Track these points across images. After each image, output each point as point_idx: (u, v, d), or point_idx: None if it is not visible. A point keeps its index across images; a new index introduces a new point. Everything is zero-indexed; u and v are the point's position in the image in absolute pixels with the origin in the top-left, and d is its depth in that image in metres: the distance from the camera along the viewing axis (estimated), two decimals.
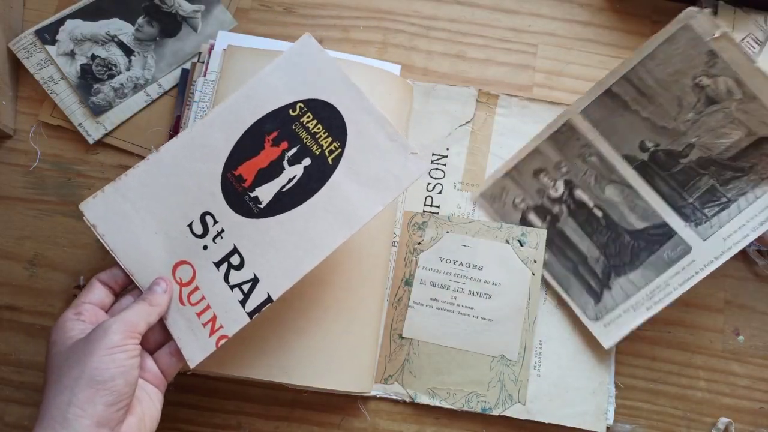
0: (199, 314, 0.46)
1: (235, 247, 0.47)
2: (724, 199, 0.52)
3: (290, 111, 0.49)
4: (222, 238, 0.47)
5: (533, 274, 0.56)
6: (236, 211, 0.48)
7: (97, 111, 0.59)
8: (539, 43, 0.63)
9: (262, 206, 0.47)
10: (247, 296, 0.46)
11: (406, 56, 0.63)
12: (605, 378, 0.55)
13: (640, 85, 0.52)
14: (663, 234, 0.53)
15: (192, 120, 0.57)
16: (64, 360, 0.41)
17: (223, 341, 0.46)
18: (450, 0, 0.64)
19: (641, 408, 0.55)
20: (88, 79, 0.60)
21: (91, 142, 0.59)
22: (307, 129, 0.48)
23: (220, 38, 0.59)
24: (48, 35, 0.60)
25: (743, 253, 0.59)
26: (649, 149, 0.52)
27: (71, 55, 0.60)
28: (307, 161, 0.48)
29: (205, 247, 0.47)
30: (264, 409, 0.55)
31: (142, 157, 0.59)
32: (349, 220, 0.46)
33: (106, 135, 0.60)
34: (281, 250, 0.46)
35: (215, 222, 0.48)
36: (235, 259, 0.47)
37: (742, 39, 0.60)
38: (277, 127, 0.49)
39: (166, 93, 0.61)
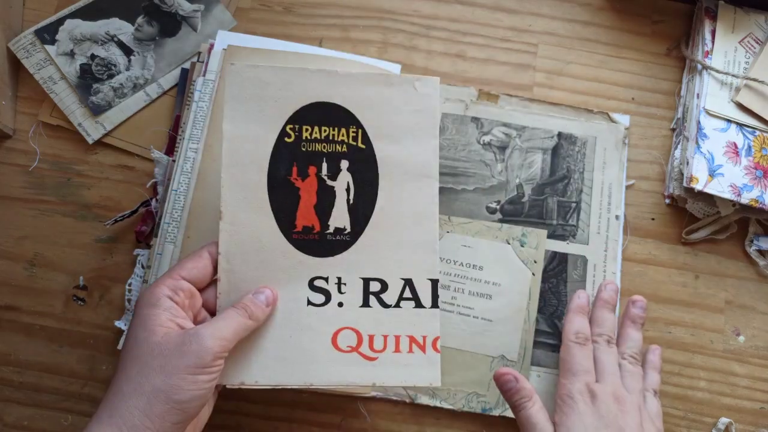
0: (395, 351, 0.44)
1: (363, 279, 0.43)
2: (573, 205, 0.58)
3: (286, 139, 0.44)
4: (346, 284, 0.44)
5: (533, 274, 0.56)
6: (333, 255, 0.44)
7: (96, 111, 0.59)
8: (539, 42, 0.63)
9: (349, 231, 0.44)
10: (416, 298, 0.44)
11: (406, 56, 0.62)
12: None
13: (450, 171, 0.58)
14: (559, 262, 0.57)
15: (191, 121, 0.56)
16: (149, 356, 0.40)
17: (437, 344, 0.46)
18: None
19: None
20: (88, 79, 0.60)
21: (90, 142, 0.59)
22: (316, 141, 0.44)
23: (220, 38, 0.59)
24: (48, 35, 0.60)
25: (744, 253, 0.59)
26: (496, 208, 0.57)
27: (71, 54, 0.60)
28: (345, 164, 0.44)
29: (340, 304, 0.44)
30: (264, 409, 0.55)
31: (143, 157, 0.59)
32: (422, 172, 0.44)
33: (106, 135, 0.59)
34: (400, 241, 0.44)
35: (326, 280, 0.43)
36: (374, 286, 0.43)
37: (742, 39, 0.60)
38: (290, 162, 0.44)
39: (165, 93, 0.61)
